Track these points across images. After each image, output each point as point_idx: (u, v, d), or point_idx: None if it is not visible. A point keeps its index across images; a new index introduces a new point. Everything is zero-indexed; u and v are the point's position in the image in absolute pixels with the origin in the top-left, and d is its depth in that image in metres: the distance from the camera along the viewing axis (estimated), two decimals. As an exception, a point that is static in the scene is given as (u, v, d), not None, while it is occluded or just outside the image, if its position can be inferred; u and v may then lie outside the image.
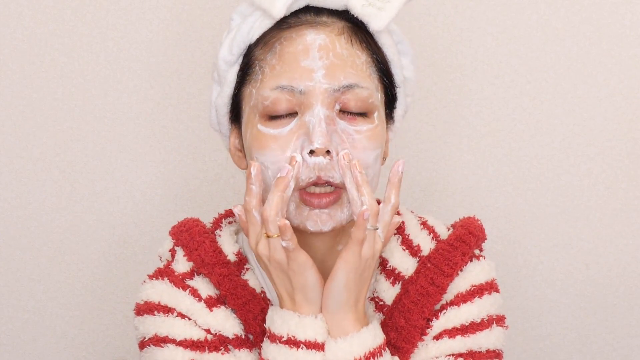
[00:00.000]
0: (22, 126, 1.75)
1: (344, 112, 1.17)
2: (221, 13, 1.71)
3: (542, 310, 1.79)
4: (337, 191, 1.17)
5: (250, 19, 1.20)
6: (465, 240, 1.24)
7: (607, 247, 1.76)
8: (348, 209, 1.19)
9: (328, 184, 1.16)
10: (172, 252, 1.26)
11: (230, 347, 1.21)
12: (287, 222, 1.12)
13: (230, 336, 1.21)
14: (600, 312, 1.78)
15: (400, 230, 1.28)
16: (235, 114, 1.24)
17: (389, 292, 1.25)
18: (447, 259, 1.24)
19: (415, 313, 1.22)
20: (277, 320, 1.17)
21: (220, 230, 1.29)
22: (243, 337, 1.22)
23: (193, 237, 1.25)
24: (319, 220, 1.18)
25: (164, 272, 1.25)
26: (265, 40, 1.19)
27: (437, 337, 1.22)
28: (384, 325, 1.22)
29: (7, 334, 1.81)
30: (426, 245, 1.27)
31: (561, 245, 1.77)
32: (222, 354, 1.20)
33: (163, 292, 1.23)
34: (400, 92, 1.25)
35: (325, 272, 1.22)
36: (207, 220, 1.32)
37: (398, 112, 1.26)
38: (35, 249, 1.78)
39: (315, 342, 1.15)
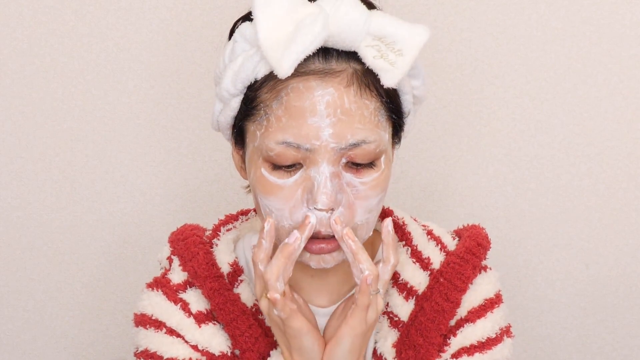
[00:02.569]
0: (22, 126, 1.76)
1: (350, 164, 1.15)
2: (221, 13, 1.71)
3: (542, 310, 1.79)
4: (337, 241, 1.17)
5: (255, 56, 1.14)
6: (475, 252, 1.25)
7: (607, 247, 1.76)
8: None
9: (326, 241, 1.16)
10: (170, 260, 1.28)
11: None
12: (277, 296, 1.15)
13: (217, 353, 1.23)
14: (600, 312, 1.78)
15: (408, 241, 1.27)
16: (239, 135, 1.21)
17: (403, 308, 1.25)
18: (459, 272, 1.24)
19: (432, 330, 1.22)
20: None
21: (218, 239, 1.29)
22: (229, 354, 1.23)
23: (188, 248, 1.26)
24: (322, 261, 1.18)
25: (160, 283, 1.27)
26: (272, 84, 1.14)
27: (456, 356, 1.23)
28: (400, 343, 1.23)
29: (7, 334, 1.81)
30: (436, 257, 1.27)
31: (561, 245, 1.77)
32: None
33: (156, 305, 1.25)
34: (409, 116, 1.23)
35: (328, 284, 1.26)
36: (208, 220, 1.33)
37: (406, 130, 1.24)
38: (35, 249, 1.79)
39: None
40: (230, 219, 1.33)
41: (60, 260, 1.79)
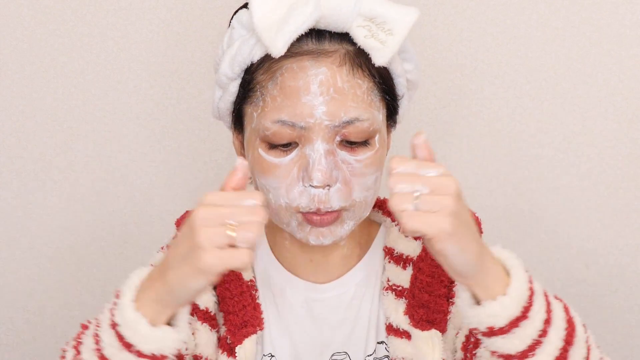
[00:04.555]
0: (22, 126, 1.76)
1: (344, 142, 1.18)
2: (221, 13, 1.71)
3: (542, 310, 1.79)
4: (337, 212, 1.19)
5: (251, 40, 1.19)
6: None
7: (607, 247, 1.76)
8: (348, 224, 1.21)
9: (328, 213, 1.18)
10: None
11: (194, 317, 1.23)
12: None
13: (201, 307, 1.24)
14: (600, 312, 1.78)
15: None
16: (238, 120, 1.25)
17: (402, 276, 1.26)
18: None
19: (434, 285, 1.24)
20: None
21: None
22: (212, 313, 1.24)
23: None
24: (320, 235, 1.19)
25: (164, 247, 1.29)
26: (267, 66, 1.18)
27: None
28: (410, 308, 1.24)
29: (7, 334, 1.81)
30: None
31: (561, 245, 1.77)
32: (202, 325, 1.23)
33: (160, 258, 1.27)
34: (403, 99, 1.26)
35: (327, 266, 1.26)
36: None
37: (401, 115, 1.27)
38: (35, 249, 1.79)
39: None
40: None
41: (60, 260, 1.79)
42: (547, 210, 1.76)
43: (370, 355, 1.26)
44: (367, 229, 1.31)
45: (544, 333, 1.06)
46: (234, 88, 1.22)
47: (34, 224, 1.78)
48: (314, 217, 1.18)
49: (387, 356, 1.26)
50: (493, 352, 1.07)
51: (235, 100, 1.23)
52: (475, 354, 1.18)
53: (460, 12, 1.72)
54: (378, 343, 1.27)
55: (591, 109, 1.73)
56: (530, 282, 1.07)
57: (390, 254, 1.28)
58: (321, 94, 1.15)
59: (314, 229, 1.19)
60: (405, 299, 1.25)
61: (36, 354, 1.82)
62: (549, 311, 1.07)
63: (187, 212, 1.31)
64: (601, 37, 1.71)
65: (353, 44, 1.18)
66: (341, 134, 1.17)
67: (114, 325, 1.04)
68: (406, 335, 1.24)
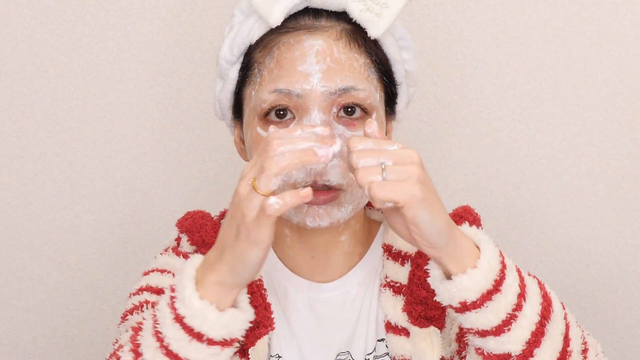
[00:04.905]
0: (22, 126, 1.75)
1: (341, 116, 1.18)
2: (221, 13, 1.71)
3: (542, 310, 1.79)
4: (334, 191, 1.17)
5: (250, 20, 1.21)
6: (462, 215, 1.26)
7: (607, 247, 1.76)
8: (346, 208, 1.19)
9: (324, 187, 1.17)
10: (178, 240, 1.29)
11: None
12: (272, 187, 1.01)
13: None
14: (600, 312, 1.78)
15: None
16: (238, 109, 1.26)
17: (400, 272, 1.26)
18: None
19: None
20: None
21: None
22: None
23: (195, 222, 1.28)
24: (317, 216, 1.18)
25: (168, 249, 1.28)
26: (264, 43, 1.20)
27: None
28: (408, 304, 1.23)
29: (7, 334, 1.81)
30: None
31: (561, 245, 1.77)
32: None
33: (165, 261, 1.25)
34: (402, 87, 1.27)
35: (329, 264, 1.26)
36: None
37: (400, 106, 1.27)
38: (35, 249, 1.78)
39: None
40: None
41: (60, 260, 1.79)
42: (547, 210, 1.76)
43: (370, 353, 1.26)
44: (367, 227, 1.31)
45: (518, 307, 1.06)
46: (233, 74, 1.23)
47: (34, 224, 1.78)
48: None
49: (388, 354, 1.26)
50: (469, 330, 1.07)
51: (235, 87, 1.24)
52: (467, 343, 1.18)
53: (460, 12, 1.72)
54: (378, 341, 1.27)
55: (591, 109, 1.73)
56: (502, 256, 1.07)
57: (389, 251, 1.28)
58: (317, 62, 1.16)
59: (310, 209, 1.17)
60: (404, 295, 1.25)
61: (36, 354, 1.81)
62: (522, 286, 1.07)
63: (188, 212, 1.30)
64: (601, 37, 1.71)
65: (350, 22, 1.20)
66: (337, 104, 1.17)
67: (179, 319, 1.02)
68: (405, 332, 1.24)
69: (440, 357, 1.22)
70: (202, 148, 1.76)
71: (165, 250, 1.28)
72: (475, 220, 1.26)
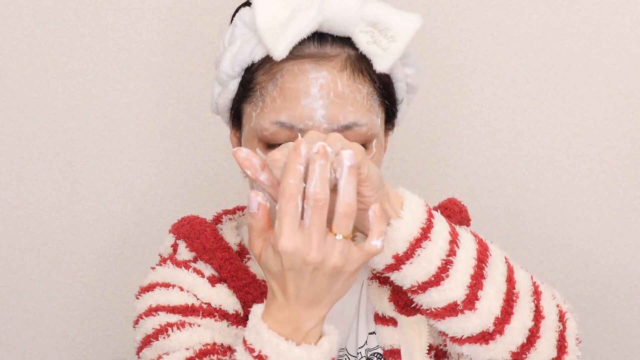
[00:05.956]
0: (22, 126, 1.75)
1: None
2: (221, 13, 1.71)
3: (542, 310, 1.79)
4: None
5: (253, 39, 1.18)
6: (447, 206, 1.26)
7: (607, 247, 1.76)
8: None
9: None
10: (174, 247, 1.27)
11: (228, 321, 1.21)
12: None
13: (231, 311, 1.21)
14: (600, 312, 1.78)
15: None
16: (236, 117, 1.25)
17: None
18: None
19: None
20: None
21: (222, 224, 1.31)
22: (242, 315, 1.22)
23: (194, 228, 1.26)
24: None
25: (166, 259, 1.25)
26: (268, 67, 1.18)
27: None
28: (394, 294, 1.23)
29: (7, 334, 1.81)
30: None
31: (561, 245, 1.77)
32: (216, 320, 1.19)
33: (166, 273, 1.23)
34: (402, 102, 1.26)
35: None
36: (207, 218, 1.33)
37: (399, 118, 1.27)
38: (35, 249, 1.78)
39: None
40: (229, 212, 1.35)
41: (60, 260, 1.79)
42: (547, 210, 1.76)
43: (362, 347, 1.27)
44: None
45: (451, 252, 1.07)
46: (233, 86, 1.22)
47: (34, 223, 1.78)
48: None
49: (379, 346, 1.26)
50: (410, 289, 1.08)
51: (234, 97, 1.23)
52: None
53: (460, 12, 1.72)
54: (370, 334, 1.27)
55: (591, 109, 1.73)
56: (428, 206, 1.09)
57: None
58: (321, 97, 1.15)
59: None
60: (389, 285, 1.25)
61: (36, 354, 1.82)
62: (454, 234, 1.08)
63: (182, 218, 1.28)
64: (601, 37, 1.71)
65: (355, 47, 1.17)
66: None
67: None
68: (392, 322, 1.24)
69: (429, 345, 1.23)
70: (202, 148, 1.76)
71: (163, 260, 1.26)
72: (461, 211, 1.26)
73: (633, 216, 1.75)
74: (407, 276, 1.08)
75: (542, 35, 1.72)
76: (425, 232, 1.07)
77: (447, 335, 1.11)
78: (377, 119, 1.19)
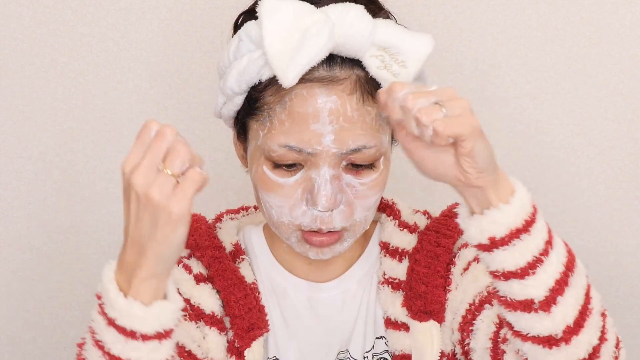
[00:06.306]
0: (22, 126, 1.75)
1: (350, 166, 1.18)
2: (221, 13, 1.71)
3: (542, 310, 1.79)
4: (338, 233, 1.19)
5: (260, 59, 1.16)
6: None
7: (607, 247, 1.76)
8: (348, 242, 1.21)
9: (329, 233, 1.19)
10: None
11: (201, 322, 1.23)
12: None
13: (207, 312, 1.23)
14: (600, 312, 1.78)
15: (396, 216, 1.32)
16: (242, 129, 1.23)
17: (399, 269, 1.27)
18: (446, 224, 1.28)
19: (431, 275, 1.25)
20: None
21: (221, 224, 1.33)
22: (219, 317, 1.24)
23: (190, 225, 1.26)
24: (320, 253, 1.21)
25: None
26: (275, 88, 1.16)
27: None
28: (407, 299, 1.24)
29: (7, 334, 1.81)
30: (422, 222, 1.32)
31: (561, 245, 1.77)
32: (185, 319, 1.21)
33: None
34: None
35: (327, 265, 1.27)
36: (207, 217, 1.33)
37: None
38: (35, 249, 1.78)
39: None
40: (232, 211, 1.36)
41: (60, 260, 1.79)
42: (547, 210, 1.75)
43: (369, 351, 1.27)
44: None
45: (545, 252, 1.06)
46: (239, 101, 1.20)
47: (34, 223, 1.78)
48: (314, 238, 1.19)
49: (387, 351, 1.26)
50: (494, 273, 1.06)
51: (240, 110, 1.21)
52: (472, 330, 1.19)
53: (460, 12, 1.72)
54: (377, 338, 1.27)
55: (591, 109, 1.73)
56: (534, 203, 1.08)
57: (386, 248, 1.29)
58: (330, 122, 1.14)
59: (313, 247, 1.20)
60: (402, 291, 1.26)
61: (36, 354, 1.82)
62: (550, 235, 1.07)
63: None
64: (601, 37, 1.71)
65: (364, 69, 1.16)
66: (347, 159, 1.16)
67: (111, 322, 1.02)
68: (404, 327, 1.24)
69: (440, 351, 1.23)
70: (202, 148, 1.75)
71: None
72: None
73: (633, 216, 1.75)
74: (496, 260, 1.05)
75: (542, 35, 1.72)
76: (527, 226, 1.05)
77: (512, 327, 1.08)
78: (385, 136, 1.19)
